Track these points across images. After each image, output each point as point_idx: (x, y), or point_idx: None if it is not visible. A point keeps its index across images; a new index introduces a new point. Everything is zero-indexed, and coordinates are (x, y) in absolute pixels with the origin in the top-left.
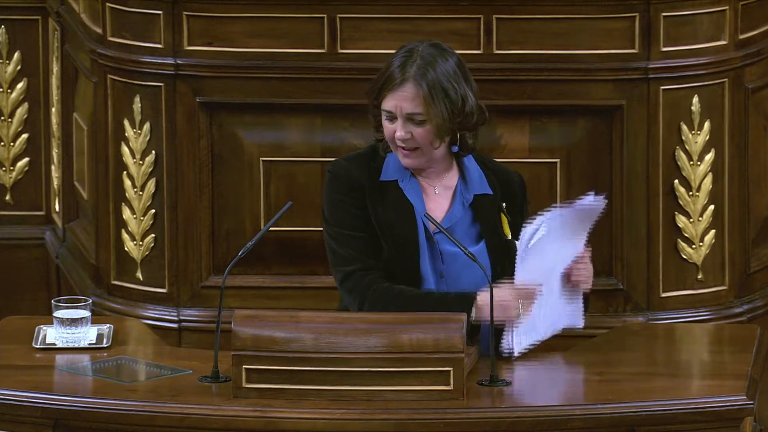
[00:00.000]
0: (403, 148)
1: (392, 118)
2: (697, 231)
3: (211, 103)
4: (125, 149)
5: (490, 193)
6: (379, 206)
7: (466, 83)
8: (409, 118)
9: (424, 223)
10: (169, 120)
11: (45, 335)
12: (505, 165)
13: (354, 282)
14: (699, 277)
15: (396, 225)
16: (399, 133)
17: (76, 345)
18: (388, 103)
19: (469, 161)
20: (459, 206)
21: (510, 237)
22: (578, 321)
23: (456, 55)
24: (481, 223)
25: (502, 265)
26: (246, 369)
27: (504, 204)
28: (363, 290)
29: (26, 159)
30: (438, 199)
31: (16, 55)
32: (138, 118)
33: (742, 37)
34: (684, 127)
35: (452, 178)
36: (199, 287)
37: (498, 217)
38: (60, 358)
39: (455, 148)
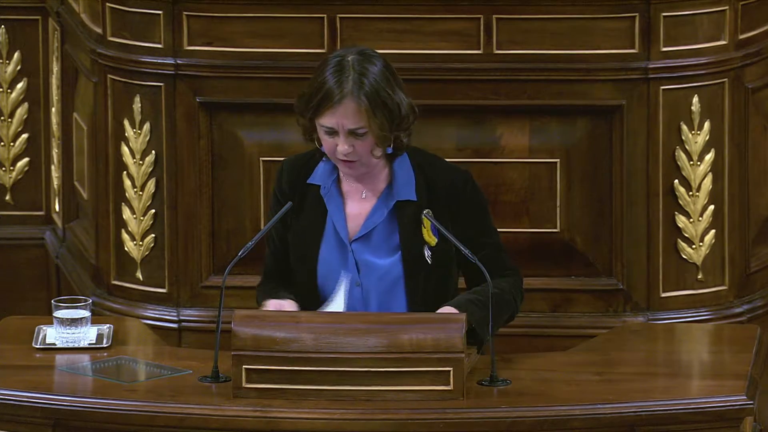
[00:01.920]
0: (345, 160)
1: (332, 133)
2: (697, 231)
3: (211, 103)
4: (125, 149)
5: (414, 199)
6: (298, 208)
7: (397, 86)
8: (351, 133)
9: (338, 232)
10: (169, 120)
11: (45, 335)
12: (449, 164)
13: (259, 284)
14: (699, 277)
15: (306, 230)
16: (342, 148)
17: (76, 345)
18: (329, 121)
19: (401, 165)
20: (380, 211)
21: (434, 244)
22: None
23: (381, 57)
24: (401, 232)
25: (416, 278)
26: (246, 369)
27: (429, 210)
28: (257, 294)
29: (26, 159)
30: (363, 203)
31: (16, 55)
32: (138, 118)
33: (742, 37)
34: (684, 127)
35: (382, 182)
36: (199, 287)
37: (419, 226)
38: (60, 358)
39: (389, 150)
